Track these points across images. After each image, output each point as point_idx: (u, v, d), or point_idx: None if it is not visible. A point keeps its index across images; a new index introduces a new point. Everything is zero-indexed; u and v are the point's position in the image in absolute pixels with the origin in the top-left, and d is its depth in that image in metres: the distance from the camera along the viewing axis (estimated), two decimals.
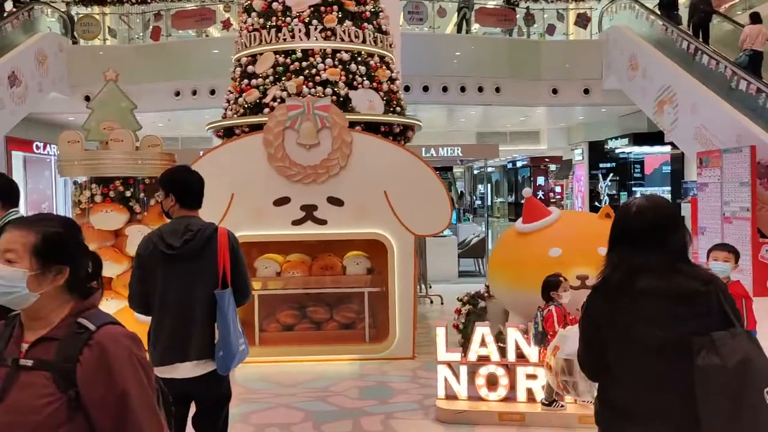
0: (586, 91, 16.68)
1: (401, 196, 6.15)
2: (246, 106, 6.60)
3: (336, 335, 6.48)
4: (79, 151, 5.98)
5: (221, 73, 15.99)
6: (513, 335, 4.63)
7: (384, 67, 6.85)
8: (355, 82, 6.58)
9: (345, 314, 6.58)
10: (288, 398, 5.14)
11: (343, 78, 6.51)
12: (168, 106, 16.13)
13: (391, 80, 6.91)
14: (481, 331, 4.66)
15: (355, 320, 6.59)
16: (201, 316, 2.90)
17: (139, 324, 4.66)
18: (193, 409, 3.11)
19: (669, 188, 19.00)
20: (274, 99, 6.44)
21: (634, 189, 21.67)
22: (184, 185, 3.04)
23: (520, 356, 4.62)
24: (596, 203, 20.48)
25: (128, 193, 6.04)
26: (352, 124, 6.21)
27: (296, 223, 6.17)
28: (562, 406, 4.41)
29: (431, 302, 9.27)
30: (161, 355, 2.91)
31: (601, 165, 21.78)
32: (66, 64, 15.23)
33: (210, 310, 2.90)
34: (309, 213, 6.17)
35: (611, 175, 21.49)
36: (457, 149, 11.46)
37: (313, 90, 6.41)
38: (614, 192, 21.98)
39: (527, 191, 5.38)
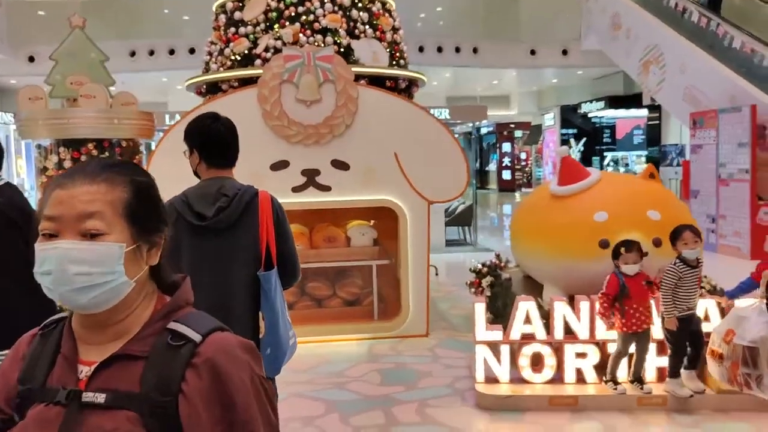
0: (565, 52, 16.25)
1: (413, 158, 5.55)
2: (233, 57, 5.84)
3: (340, 313, 5.90)
4: (43, 110, 5.14)
5: (182, 31, 14.93)
6: (561, 309, 4.14)
7: (386, 15, 6.16)
8: (357, 31, 5.89)
9: (349, 290, 5.99)
10: (302, 386, 4.55)
11: (344, 26, 5.81)
12: (122, 68, 14.97)
13: (394, 30, 6.24)
14: (525, 306, 4.15)
15: (360, 296, 6.01)
16: (241, 304, 2.27)
17: None
18: None
19: (645, 152, 18.89)
20: (266, 49, 5.71)
21: (605, 153, 21.59)
22: (208, 136, 2.39)
23: (567, 333, 4.16)
24: None
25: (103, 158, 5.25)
26: (357, 78, 5.54)
27: (297, 189, 5.51)
28: (623, 390, 3.96)
29: (436, 274, 8.74)
30: None
31: (571, 130, 21.56)
32: (5, 20, 13.89)
33: (252, 296, 2.27)
34: (311, 178, 5.51)
35: (584, 139, 21.29)
36: (445, 111, 10.85)
37: (311, 39, 5.69)
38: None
39: (564, 149, 4.84)
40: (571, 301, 4.23)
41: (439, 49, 15.42)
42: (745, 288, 3.92)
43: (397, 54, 6.26)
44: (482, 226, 15.16)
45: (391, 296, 5.89)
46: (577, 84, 20.74)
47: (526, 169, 29.81)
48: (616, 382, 3.99)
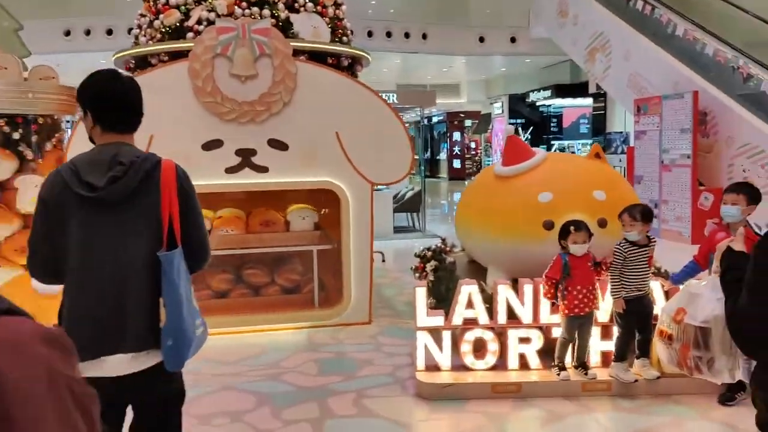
0: (513, 40, 16.25)
1: (356, 139, 5.30)
2: (164, 30, 5.46)
3: (279, 301, 5.62)
4: None
5: (122, 10, 14.22)
6: (504, 293, 3.98)
7: None
8: (296, 4, 5.59)
9: (288, 276, 5.72)
10: (233, 378, 4.27)
11: None
12: (56, 48, 14.19)
13: (337, 5, 5.96)
14: (468, 289, 3.98)
15: (300, 283, 5.75)
16: (138, 289, 1.98)
17: (41, 298, 3.63)
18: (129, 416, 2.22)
19: (590, 141, 19.11)
20: (199, 21, 5.35)
21: (552, 142, 21.81)
22: (104, 96, 2.07)
23: (511, 317, 4.01)
24: None
25: (16, 135, 4.79)
26: (296, 53, 5.25)
27: (231, 170, 5.19)
28: (567, 376, 3.84)
29: (383, 260, 8.53)
30: (81, 345, 1.97)
31: (519, 119, 21.69)
32: None
33: (151, 279, 1.98)
34: (246, 159, 5.20)
35: (531, 128, 21.44)
36: (393, 96, 10.63)
37: (247, 11, 5.36)
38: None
39: (510, 128, 4.67)
40: (515, 285, 4.09)
41: (389, 34, 15.19)
42: (690, 272, 3.85)
43: (340, 31, 5.99)
44: (432, 213, 15.06)
45: (333, 283, 5.65)
46: (525, 73, 20.84)
47: (476, 158, 29.92)
48: (562, 368, 3.86)
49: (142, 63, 5.60)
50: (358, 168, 5.32)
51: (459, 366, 4.03)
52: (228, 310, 5.46)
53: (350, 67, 6.04)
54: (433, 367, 4.03)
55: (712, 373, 1.76)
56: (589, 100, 18.50)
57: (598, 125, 18.20)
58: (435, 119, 32.02)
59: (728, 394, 3.65)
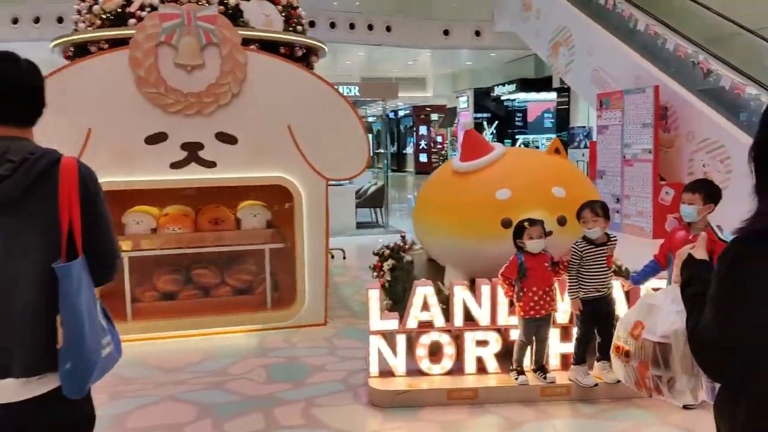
0: (478, 33, 16.15)
1: (309, 132, 5.07)
2: (104, 16, 5.14)
3: (229, 302, 5.36)
4: None
5: None
6: (461, 294, 3.81)
7: None
8: None
9: (240, 277, 5.46)
10: (174, 387, 4.02)
11: None
12: (2, 37, 13.57)
13: None
14: (423, 291, 3.80)
15: (253, 283, 5.50)
16: (30, 305, 1.71)
17: None
18: None
19: (554, 135, 19.15)
20: (141, 7, 5.05)
21: (517, 137, 21.83)
22: None
23: (468, 319, 3.85)
24: None
25: None
26: (246, 42, 4.99)
27: (176, 165, 4.91)
28: (526, 381, 3.69)
29: (332, 257, 8.29)
30: None
31: (485, 113, 21.65)
32: None
33: (47, 294, 1.71)
34: (192, 153, 4.92)
35: (496, 122, 21.42)
36: (354, 88, 10.40)
37: None
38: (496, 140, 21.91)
39: (468, 122, 4.50)
40: (473, 285, 3.92)
41: (352, 26, 14.93)
42: (650, 271, 3.73)
43: (294, 19, 5.73)
44: (397, 208, 14.89)
45: (287, 283, 5.41)
46: (491, 67, 20.80)
47: (443, 152, 29.86)
48: (520, 372, 3.71)
49: (82, 51, 5.26)
50: (312, 163, 5.09)
51: (414, 371, 3.85)
52: (175, 313, 5.18)
53: (305, 57, 5.79)
54: (387, 372, 3.84)
55: (672, 394, 1.60)
56: (553, 95, 18.54)
57: (562, 120, 18.25)
58: (401, 113, 31.86)
59: None
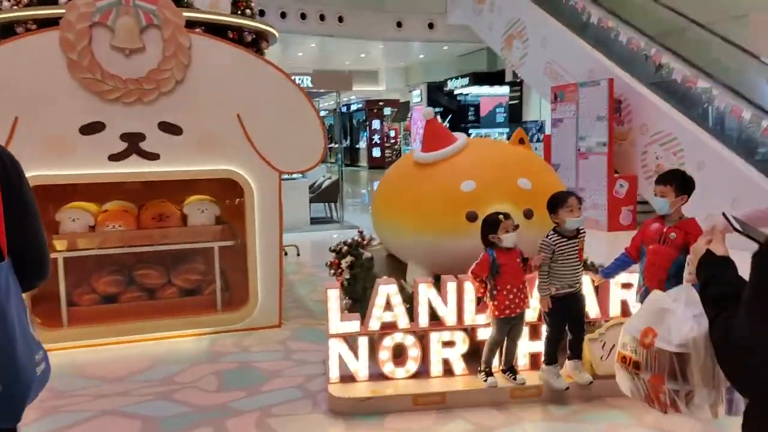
0: (431, 26, 16.00)
1: (261, 122, 4.76)
2: None
3: (176, 304, 5.01)
4: None
5: None
6: (425, 292, 3.59)
7: None
8: None
9: (187, 277, 5.11)
10: (116, 400, 3.67)
11: None
12: None
13: None
14: (386, 290, 3.56)
15: (201, 284, 5.15)
16: None
17: None
18: None
19: (507, 130, 19.23)
20: None
21: (470, 131, 21.85)
22: None
23: (433, 319, 3.63)
24: None
25: None
26: (190, 25, 4.64)
27: (115, 158, 4.53)
28: (495, 383, 3.49)
29: (286, 254, 7.99)
30: None
31: (437, 107, 21.57)
32: None
33: None
34: (133, 144, 4.55)
35: (449, 116, 21.37)
36: (307, 79, 10.07)
37: None
38: None
39: (429, 111, 4.28)
40: (438, 282, 3.70)
41: (303, 16, 14.55)
42: (621, 264, 3.59)
43: (243, 2, 5.40)
44: (351, 203, 14.63)
45: (238, 283, 5.10)
46: (443, 60, 20.73)
47: (396, 146, 29.70)
48: (489, 373, 3.51)
49: (6, 32, 4.79)
50: (264, 155, 4.78)
51: (377, 375, 3.61)
52: (117, 317, 4.80)
53: (255, 43, 5.46)
54: (348, 377, 3.59)
55: (690, 409, 1.41)
56: (505, 89, 18.59)
57: (515, 114, 18.31)
58: (354, 107, 31.55)
59: None
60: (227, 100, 4.69)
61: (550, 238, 3.42)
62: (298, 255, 8.05)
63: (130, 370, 4.13)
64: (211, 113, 4.66)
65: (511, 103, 18.74)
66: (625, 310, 3.78)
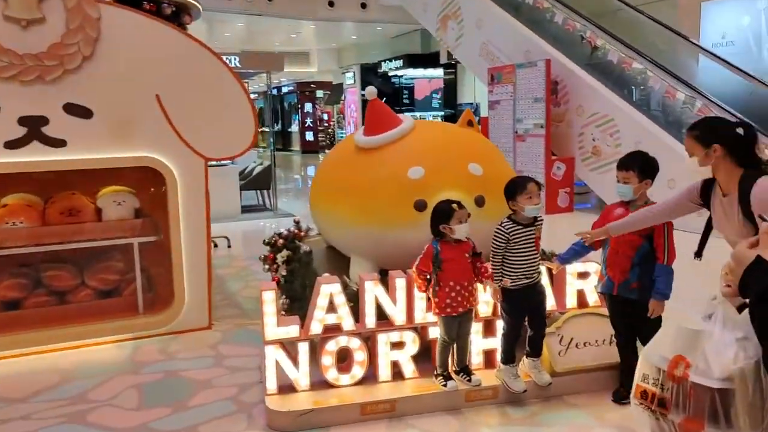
0: (364, 6, 15.57)
1: (183, 104, 4.28)
2: None
3: (91, 308, 4.49)
4: None
5: None
6: (372, 290, 3.26)
7: None
8: None
9: (104, 277, 4.59)
10: (17, 426, 3.18)
11: None
12: None
13: None
14: (328, 289, 3.21)
15: (120, 284, 4.65)
16: None
17: None
18: None
19: (442, 113, 19.11)
20: None
21: (399, 114, 21.60)
22: None
23: (381, 318, 3.32)
24: None
25: None
26: None
27: (13, 145, 3.97)
28: (455, 386, 3.22)
29: (215, 246, 7.50)
30: None
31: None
32: None
33: None
34: (34, 129, 3.99)
35: (384, 99, 21.03)
36: (234, 59, 9.49)
37: None
38: None
39: (372, 90, 3.93)
40: (385, 278, 3.39)
41: None
42: (579, 250, 3.38)
43: None
44: (284, 189, 14.12)
45: (163, 281, 4.62)
46: (377, 42, 20.33)
47: (329, 130, 29.16)
48: (448, 377, 3.23)
49: None
50: (188, 140, 4.31)
51: (320, 383, 3.27)
52: (21, 325, 4.24)
53: (175, 17, 4.95)
54: (287, 388, 3.24)
55: None
56: (440, 71, 18.41)
57: (450, 96, 18.18)
58: (285, 89, 30.74)
59: (622, 390, 3.25)
60: (144, 79, 4.18)
61: (504, 226, 3.15)
62: (229, 247, 7.57)
63: (36, 387, 3.62)
64: (126, 93, 4.15)
65: (446, 84, 18.58)
66: (582, 301, 3.58)
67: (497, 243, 3.15)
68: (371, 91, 3.89)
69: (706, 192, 2.62)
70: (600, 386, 3.35)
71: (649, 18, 9.37)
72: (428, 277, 3.16)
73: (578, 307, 3.57)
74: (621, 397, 3.23)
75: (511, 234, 3.14)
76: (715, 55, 8.78)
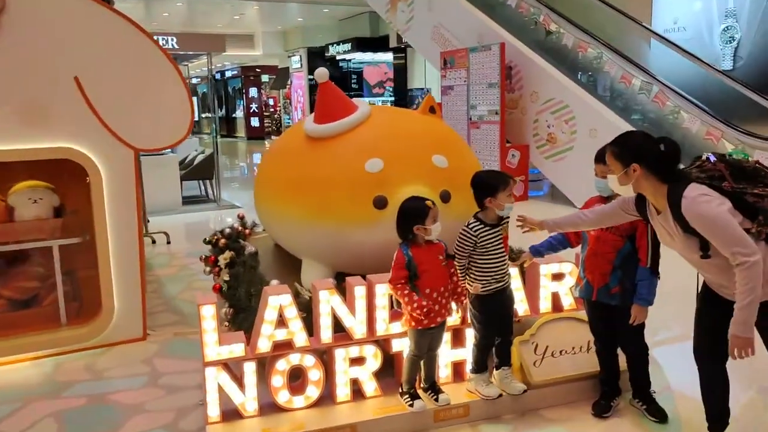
0: None
1: (107, 88, 3.76)
2: None
3: (5, 321, 3.94)
4: None
5: None
6: (328, 299, 2.87)
7: None
8: None
9: (20, 285, 4.04)
10: None
11: None
12: None
13: None
14: (277, 301, 2.80)
15: (39, 292, 4.10)
16: None
17: None
18: None
19: (392, 98, 18.74)
20: None
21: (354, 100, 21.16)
22: None
23: (338, 330, 2.94)
24: None
25: None
26: None
27: None
28: (423, 407, 2.87)
29: (153, 242, 6.95)
30: None
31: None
32: None
33: None
34: None
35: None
36: (172, 40, 8.84)
37: None
38: None
39: (323, 72, 3.51)
40: (342, 285, 3.01)
41: None
42: (556, 244, 3.08)
43: None
44: (229, 178, 13.51)
45: (89, 288, 4.10)
46: (324, 25, 19.75)
47: (275, 115, 28.40)
48: (415, 395, 2.88)
49: None
50: (114, 128, 3.80)
51: (269, 406, 2.87)
52: None
53: None
54: (232, 413, 2.83)
55: None
56: (389, 55, 18.02)
57: (400, 81, 17.82)
58: (229, 74, 29.75)
59: (603, 403, 2.99)
60: (60, 59, 3.64)
61: (472, 229, 2.82)
62: (169, 243, 7.02)
63: None
64: (39, 76, 3.60)
65: (395, 69, 18.20)
66: (557, 305, 3.29)
67: (463, 246, 2.82)
68: (322, 73, 3.47)
69: (641, 205, 2.51)
70: (578, 397, 3.08)
71: (602, 2, 9.21)
72: (408, 288, 2.77)
73: (553, 311, 3.28)
74: (602, 409, 2.96)
75: (479, 237, 2.81)
76: (667, 41, 8.70)
